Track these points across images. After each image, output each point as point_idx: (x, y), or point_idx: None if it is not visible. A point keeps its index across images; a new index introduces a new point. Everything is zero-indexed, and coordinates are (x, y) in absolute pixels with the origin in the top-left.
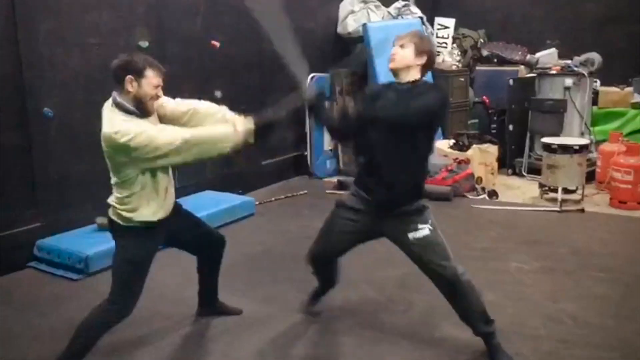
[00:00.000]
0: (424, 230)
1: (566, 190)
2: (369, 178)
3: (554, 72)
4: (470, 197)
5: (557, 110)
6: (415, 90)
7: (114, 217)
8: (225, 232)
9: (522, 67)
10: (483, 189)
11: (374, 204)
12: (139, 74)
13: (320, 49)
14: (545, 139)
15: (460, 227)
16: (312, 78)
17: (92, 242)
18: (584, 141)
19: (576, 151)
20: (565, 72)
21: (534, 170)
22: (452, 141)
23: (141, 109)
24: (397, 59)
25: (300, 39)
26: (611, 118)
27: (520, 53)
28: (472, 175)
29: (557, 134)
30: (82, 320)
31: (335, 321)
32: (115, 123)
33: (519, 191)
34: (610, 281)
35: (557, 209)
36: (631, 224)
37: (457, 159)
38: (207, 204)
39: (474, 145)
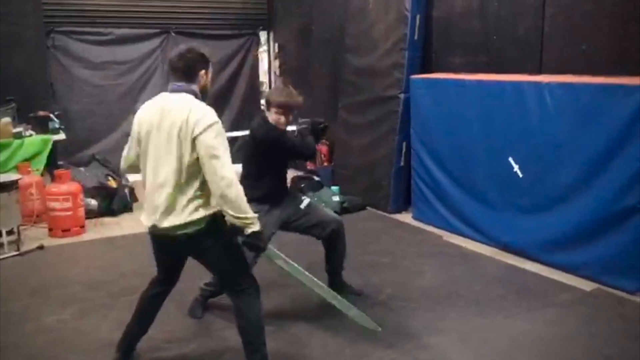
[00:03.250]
0: (306, 200)
1: None
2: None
3: None
4: None
5: None
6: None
7: (198, 223)
8: None
9: None
10: None
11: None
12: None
13: None
14: None
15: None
16: None
17: None
18: (14, 177)
19: (12, 188)
20: None
21: None
22: None
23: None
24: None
25: None
26: None
27: None
28: None
29: None
30: (244, 323)
31: None
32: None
33: None
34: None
35: (16, 252)
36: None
37: None
38: None
39: None
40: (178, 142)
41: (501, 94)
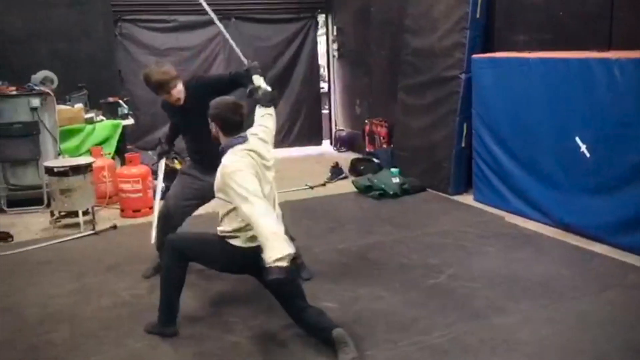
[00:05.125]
0: None
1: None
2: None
3: (14, 92)
4: None
5: (29, 134)
6: None
7: None
8: None
9: None
10: None
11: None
12: None
13: None
14: (49, 163)
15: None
16: None
17: None
18: (89, 160)
19: (87, 171)
20: (29, 92)
21: (15, 203)
22: None
23: None
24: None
25: None
26: (70, 135)
27: None
28: None
29: (35, 158)
30: None
31: None
32: None
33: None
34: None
35: (92, 231)
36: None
37: None
38: None
39: None
40: None
41: (567, 72)
